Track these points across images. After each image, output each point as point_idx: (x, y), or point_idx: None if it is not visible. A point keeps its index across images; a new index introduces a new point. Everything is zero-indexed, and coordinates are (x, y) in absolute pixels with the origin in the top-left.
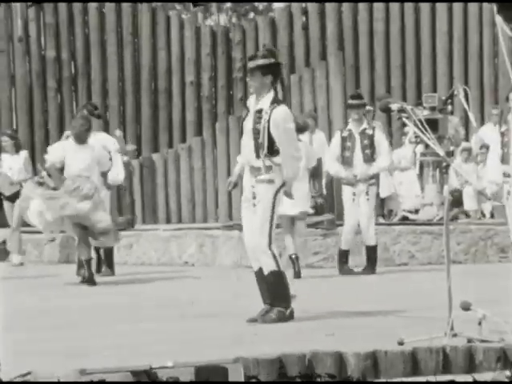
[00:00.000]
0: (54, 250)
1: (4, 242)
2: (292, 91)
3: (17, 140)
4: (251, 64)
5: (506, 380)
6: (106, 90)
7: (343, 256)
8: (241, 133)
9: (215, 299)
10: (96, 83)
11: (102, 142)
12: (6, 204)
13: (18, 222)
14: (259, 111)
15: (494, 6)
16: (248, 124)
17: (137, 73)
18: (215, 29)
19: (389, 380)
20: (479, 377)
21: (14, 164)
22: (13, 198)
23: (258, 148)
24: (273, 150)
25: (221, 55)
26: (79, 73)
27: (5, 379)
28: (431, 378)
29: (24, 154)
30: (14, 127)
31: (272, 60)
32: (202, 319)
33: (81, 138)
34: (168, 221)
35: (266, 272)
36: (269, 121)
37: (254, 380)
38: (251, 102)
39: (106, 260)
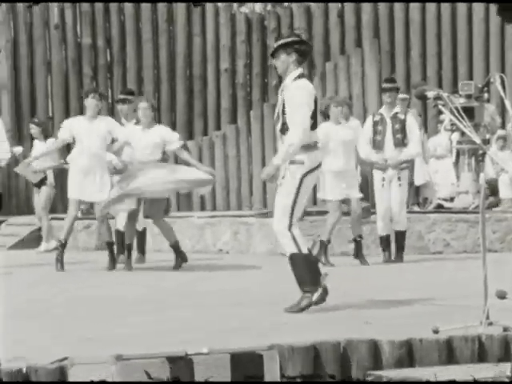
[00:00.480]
0: (89, 237)
1: (39, 229)
2: (327, 79)
3: (44, 127)
4: (275, 45)
5: (506, 380)
6: (142, 77)
7: (382, 242)
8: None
9: (250, 287)
10: (131, 70)
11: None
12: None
13: (46, 209)
14: (283, 89)
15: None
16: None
17: (172, 60)
18: (250, 16)
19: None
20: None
21: (40, 150)
22: (39, 184)
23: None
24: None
25: (256, 42)
26: (115, 60)
27: (42, 364)
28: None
29: (50, 141)
30: (50, 114)
31: (295, 38)
32: (237, 306)
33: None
34: (202, 208)
35: (287, 255)
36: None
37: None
38: None
39: (139, 246)
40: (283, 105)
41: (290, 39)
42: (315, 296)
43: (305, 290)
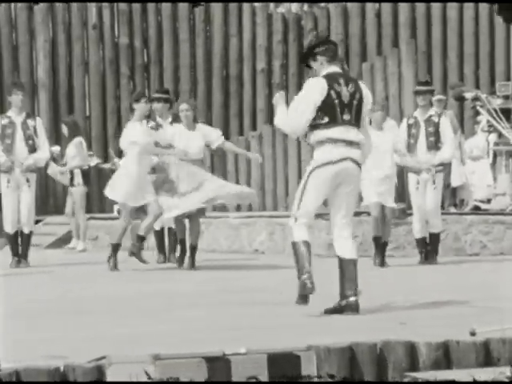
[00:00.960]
0: (126, 237)
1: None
2: (364, 79)
3: (71, 126)
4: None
5: (506, 380)
6: (178, 76)
7: (418, 245)
8: None
9: (286, 287)
10: (168, 70)
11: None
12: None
13: (81, 208)
14: None
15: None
16: None
17: (208, 60)
18: (287, 16)
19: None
20: None
21: (69, 151)
22: (72, 185)
23: None
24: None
25: (292, 42)
26: (152, 60)
27: (79, 363)
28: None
29: (76, 140)
30: (87, 113)
31: (311, 44)
32: (272, 306)
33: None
34: (238, 209)
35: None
36: None
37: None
38: None
39: (159, 246)
40: None
41: (306, 50)
42: (300, 281)
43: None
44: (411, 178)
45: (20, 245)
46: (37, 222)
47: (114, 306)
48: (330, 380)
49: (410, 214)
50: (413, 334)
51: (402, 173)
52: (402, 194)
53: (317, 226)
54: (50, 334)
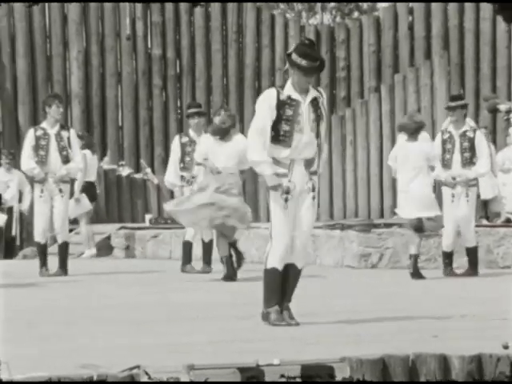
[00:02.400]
0: (158, 247)
1: (109, 238)
2: (396, 91)
3: (85, 140)
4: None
5: (506, 380)
6: (210, 87)
7: (446, 258)
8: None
9: (317, 298)
10: (201, 81)
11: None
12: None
13: (82, 220)
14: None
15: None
16: None
17: (241, 71)
18: (319, 28)
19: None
20: None
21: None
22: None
23: None
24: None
25: (324, 54)
26: (184, 71)
27: (112, 372)
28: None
29: (85, 152)
30: (120, 124)
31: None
32: (305, 317)
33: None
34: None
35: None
36: None
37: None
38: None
39: (205, 256)
40: None
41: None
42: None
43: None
44: (445, 192)
45: (58, 255)
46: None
47: (148, 315)
48: (330, 380)
49: (442, 226)
50: (445, 346)
51: (434, 185)
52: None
53: (348, 238)
54: (83, 343)
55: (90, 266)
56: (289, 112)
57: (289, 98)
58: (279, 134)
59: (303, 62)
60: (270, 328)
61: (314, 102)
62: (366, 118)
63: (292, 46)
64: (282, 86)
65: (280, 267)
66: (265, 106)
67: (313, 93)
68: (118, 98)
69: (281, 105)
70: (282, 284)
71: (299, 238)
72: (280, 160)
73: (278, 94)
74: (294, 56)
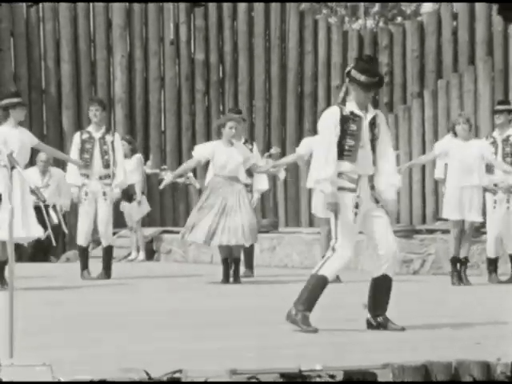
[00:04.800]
0: (199, 251)
1: (151, 241)
2: (439, 96)
3: (133, 145)
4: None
5: (506, 380)
6: (253, 92)
7: (491, 264)
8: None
9: (358, 304)
10: (243, 86)
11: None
12: (126, 206)
13: (138, 223)
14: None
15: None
16: None
17: (283, 76)
18: (362, 33)
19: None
20: None
21: (128, 166)
22: (129, 199)
23: None
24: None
25: None
26: (227, 76)
27: (154, 376)
28: None
29: (136, 157)
30: (163, 129)
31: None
32: (345, 323)
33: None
34: (311, 224)
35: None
36: None
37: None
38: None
39: (246, 261)
40: None
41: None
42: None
43: None
44: (488, 197)
45: (101, 258)
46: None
47: (189, 319)
48: (330, 380)
49: (485, 233)
50: (488, 353)
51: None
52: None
53: None
54: (125, 347)
55: (132, 270)
56: (353, 127)
57: (352, 113)
58: (344, 149)
59: (362, 78)
60: (309, 333)
61: (372, 121)
62: (408, 124)
63: (351, 63)
64: (343, 103)
65: (332, 279)
66: (329, 123)
67: (372, 112)
68: (160, 103)
69: (345, 120)
70: (375, 294)
71: (391, 249)
72: (348, 175)
73: (341, 110)
74: (354, 72)
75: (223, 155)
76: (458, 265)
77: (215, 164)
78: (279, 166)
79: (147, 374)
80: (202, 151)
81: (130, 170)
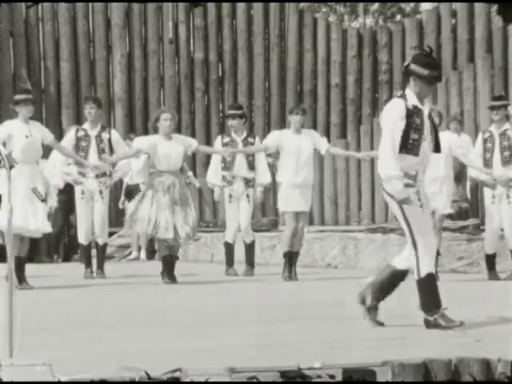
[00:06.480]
0: (199, 250)
1: (151, 240)
2: (438, 94)
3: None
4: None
5: (506, 380)
6: (252, 91)
7: (489, 261)
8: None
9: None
10: (243, 84)
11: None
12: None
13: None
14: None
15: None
16: None
17: (283, 74)
18: (361, 31)
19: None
20: None
21: (134, 166)
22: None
23: None
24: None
25: (367, 57)
26: (226, 74)
27: (154, 375)
28: None
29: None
30: None
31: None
32: (345, 321)
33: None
34: (311, 223)
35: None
36: None
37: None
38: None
39: (247, 259)
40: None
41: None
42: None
43: None
44: (486, 193)
45: (95, 256)
46: (112, 234)
47: (188, 318)
48: (330, 380)
49: (483, 230)
50: (487, 350)
51: (476, 188)
52: (476, 209)
53: (390, 241)
54: (124, 346)
55: (132, 269)
56: (417, 120)
57: (415, 107)
58: (408, 143)
59: (426, 72)
60: (308, 331)
61: (428, 114)
62: None
63: (410, 57)
64: (404, 96)
65: (433, 270)
66: (394, 118)
67: (427, 105)
68: (160, 102)
69: (409, 113)
70: (392, 284)
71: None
72: (407, 170)
73: (406, 103)
74: (414, 66)
75: (164, 148)
76: None
77: (158, 159)
78: (235, 152)
79: (147, 373)
80: (142, 141)
81: (137, 170)
